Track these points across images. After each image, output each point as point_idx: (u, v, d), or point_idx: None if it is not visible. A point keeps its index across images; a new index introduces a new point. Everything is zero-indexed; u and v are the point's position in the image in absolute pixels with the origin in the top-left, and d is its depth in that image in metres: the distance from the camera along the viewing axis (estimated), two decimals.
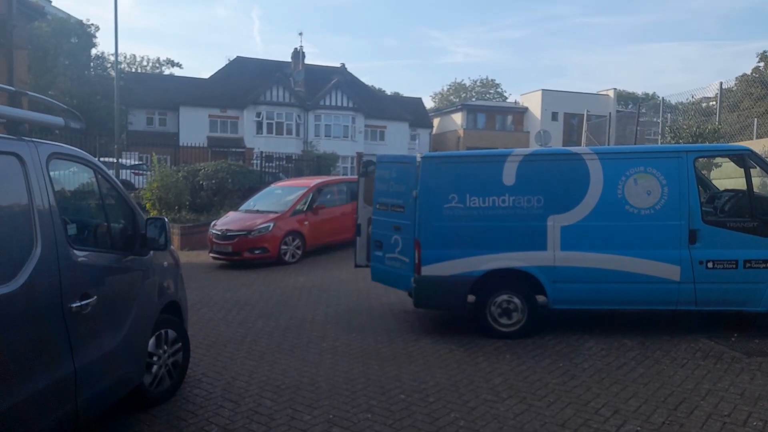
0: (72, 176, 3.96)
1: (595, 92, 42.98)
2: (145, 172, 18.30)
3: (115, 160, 17.43)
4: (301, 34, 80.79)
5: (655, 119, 20.00)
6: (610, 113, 20.65)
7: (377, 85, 54.24)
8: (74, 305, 3.06)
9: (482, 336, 6.04)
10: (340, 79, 36.30)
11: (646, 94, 57.18)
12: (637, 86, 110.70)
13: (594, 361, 5.26)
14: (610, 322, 6.59)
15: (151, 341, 4.14)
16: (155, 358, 4.20)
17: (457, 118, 43.37)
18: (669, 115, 18.36)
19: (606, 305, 6.22)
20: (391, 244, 6.54)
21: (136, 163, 20.56)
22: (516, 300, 6.06)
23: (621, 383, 4.68)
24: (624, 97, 51.84)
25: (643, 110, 22.67)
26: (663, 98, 17.94)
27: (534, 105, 42.55)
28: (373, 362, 5.32)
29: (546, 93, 41.85)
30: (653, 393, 4.45)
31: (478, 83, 65.73)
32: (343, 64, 40.44)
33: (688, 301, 5.87)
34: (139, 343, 3.89)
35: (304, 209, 12.22)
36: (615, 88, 42.60)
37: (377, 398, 4.41)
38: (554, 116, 41.41)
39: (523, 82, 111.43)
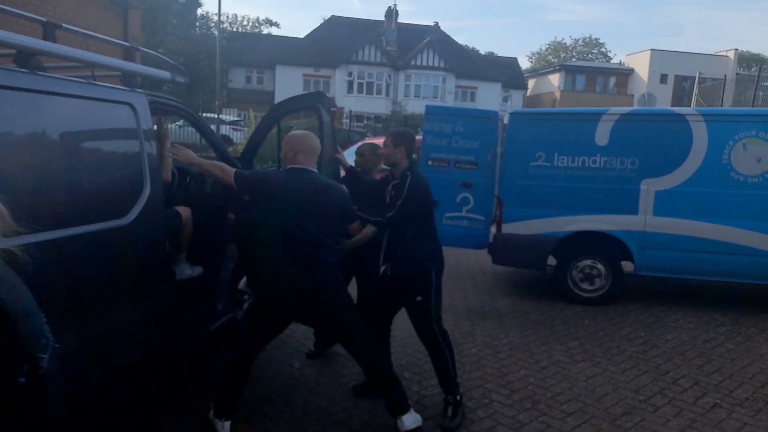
0: (175, 127, 4.32)
1: (713, 53, 39.02)
2: (242, 128, 19.33)
3: (217, 116, 18.51)
4: None
5: None
6: (725, 76, 18.76)
7: (471, 45, 52.24)
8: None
9: (561, 301, 5.97)
10: (432, 38, 35.58)
11: None
12: (764, 47, 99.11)
13: (679, 333, 5.06)
14: (701, 295, 6.26)
15: (243, 280, 4.49)
16: (246, 296, 4.56)
17: (554, 79, 41.28)
18: None
19: (698, 276, 5.91)
20: (456, 203, 6.23)
21: (235, 119, 21.74)
22: (599, 266, 5.92)
23: (705, 357, 4.49)
24: (747, 59, 46.58)
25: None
26: None
27: (641, 66, 39.41)
28: (448, 317, 5.42)
29: (655, 53, 38.51)
30: (740, 369, 4.24)
31: (579, 42, 61.76)
32: (437, 23, 39.59)
33: None
34: (232, 279, 4.26)
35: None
36: (736, 49, 38.38)
37: None
38: (663, 79, 38.13)
39: (631, 42, 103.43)
